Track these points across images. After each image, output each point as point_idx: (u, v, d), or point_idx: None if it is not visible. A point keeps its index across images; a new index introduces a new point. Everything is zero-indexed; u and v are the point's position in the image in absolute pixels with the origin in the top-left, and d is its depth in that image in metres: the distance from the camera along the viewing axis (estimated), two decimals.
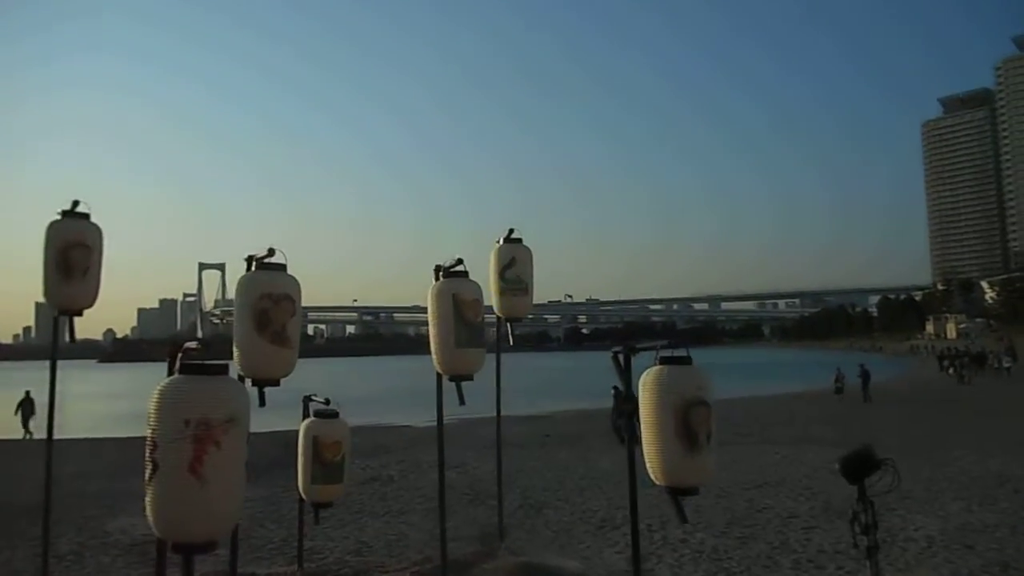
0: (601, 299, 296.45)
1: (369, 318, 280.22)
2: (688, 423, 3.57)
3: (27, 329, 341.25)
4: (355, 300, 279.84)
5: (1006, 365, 39.31)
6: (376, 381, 64.36)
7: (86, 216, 5.13)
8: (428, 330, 4.75)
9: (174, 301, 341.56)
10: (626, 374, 3.96)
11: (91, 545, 8.03)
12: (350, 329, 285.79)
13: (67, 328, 5.27)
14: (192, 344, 2.91)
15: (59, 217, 5.07)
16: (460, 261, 4.69)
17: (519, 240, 5.99)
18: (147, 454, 2.70)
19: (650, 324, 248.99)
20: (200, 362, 2.80)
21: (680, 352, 3.73)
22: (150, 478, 2.69)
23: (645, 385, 3.71)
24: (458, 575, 5.39)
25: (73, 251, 4.98)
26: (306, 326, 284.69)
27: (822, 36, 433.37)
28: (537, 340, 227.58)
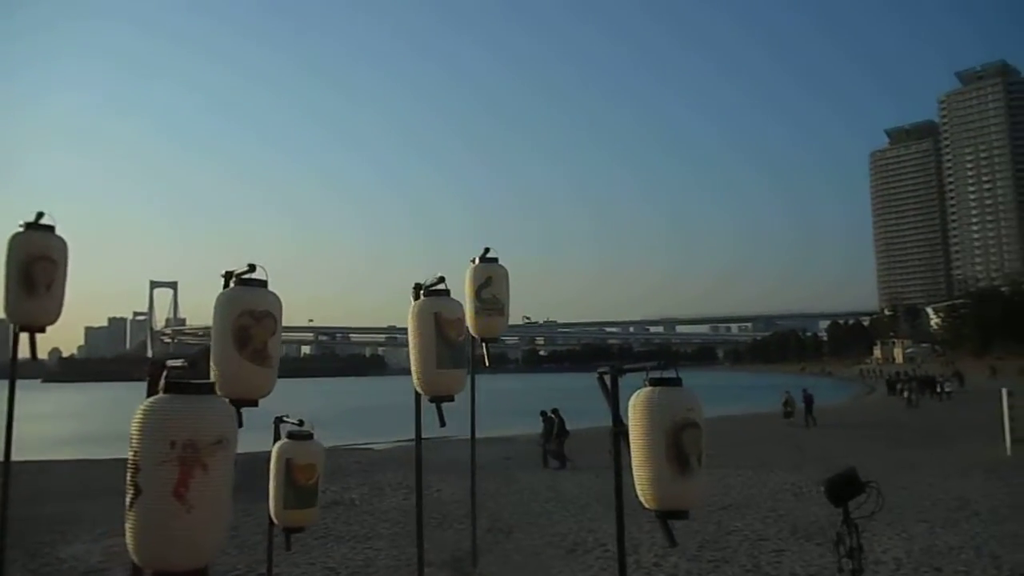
0: (559, 321, 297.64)
1: (325, 338, 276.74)
2: (679, 445, 3.53)
3: None
4: (311, 320, 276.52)
5: (948, 390, 40.84)
6: (332, 401, 63.52)
7: (51, 228, 4.95)
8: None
9: (124, 320, 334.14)
10: (614, 396, 3.93)
11: (43, 573, 7.69)
12: (305, 349, 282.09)
13: (29, 345, 5.06)
14: (176, 362, 2.78)
15: (22, 229, 4.88)
16: (442, 279, 4.62)
17: (495, 260, 5.93)
18: (128, 477, 2.56)
19: (607, 346, 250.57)
20: (186, 381, 2.68)
21: (670, 374, 3.71)
22: (131, 503, 2.54)
23: (635, 407, 3.67)
24: None
25: (36, 265, 4.78)
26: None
27: (781, 63, 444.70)
28: (495, 361, 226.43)
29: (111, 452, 26.28)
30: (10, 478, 5.17)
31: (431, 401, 4.58)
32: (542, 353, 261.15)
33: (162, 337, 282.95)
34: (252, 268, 4.03)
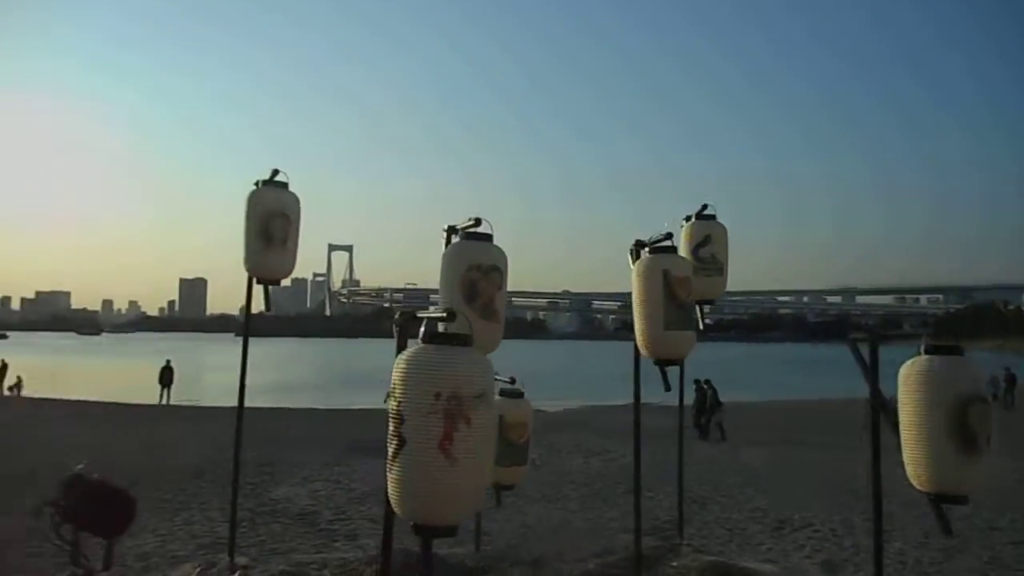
0: (726, 289, 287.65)
1: None
2: (966, 423, 3.11)
3: (171, 303, 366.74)
4: None
5: None
6: (499, 364, 64.96)
7: (284, 185, 5.12)
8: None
9: (304, 280, 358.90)
10: (873, 368, 3.53)
11: (261, 512, 8.26)
12: None
13: (264, 298, 5.30)
14: (439, 311, 2.70)
15: (258, 186, 5.07)
16: (479, 221, 4.30)
17: (712, 216, 5.59)
18: (391, 427, 2.53)
19: (777, 316, 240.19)
20: (448, 332, 2.61)
21: (948, 342, 3.28)
22: (395, 454, 2.51)
23: (908, 379, 3.27)
24: (646, 571, 5.08)
25: (274, 221, 4.97)
26: (428, 307, 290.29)
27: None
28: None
29: (299, 402, 28.44)
30: (242, 423, 5.51)
31: (656, 364, 4.35)
32: (708, 322, 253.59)
33: (339, 297, 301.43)
34: (477, 222, 3.95)
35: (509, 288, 4.02)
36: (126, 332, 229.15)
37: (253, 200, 5.03)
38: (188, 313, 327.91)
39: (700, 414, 17.16)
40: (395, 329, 3.10)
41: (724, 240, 5.59)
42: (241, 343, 5.55)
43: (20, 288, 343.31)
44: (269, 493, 9.19)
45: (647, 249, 4.37)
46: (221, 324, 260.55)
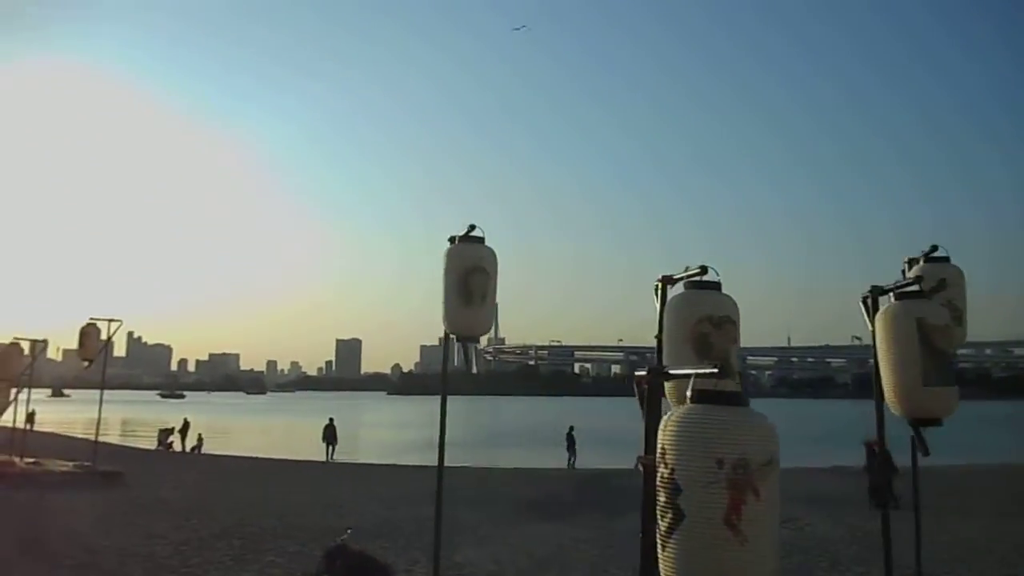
0: None
1: (635, 358, 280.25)
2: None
3: (328, 363, 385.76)
4: (621, 340, 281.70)
5: None
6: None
7: (481, 240, 5.06)
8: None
9: (452, 338, 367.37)
10: None
11: None
12: (615, 368, 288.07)
13: (465, 357, 5.21)
14: (707, 366, 2.42)
15: (454, 242, 5.03)
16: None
17: (946, 259, 5.00)
18: (664, 498, 2.24)
19: (958, 371, 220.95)
20: (722, 391, 2.31)
21: None
22: (671, 528, 2.21)
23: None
24: None
25: (473, 276, 4.90)
26: (572, 364, 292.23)
27: None
28: (819, 385, 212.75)
29: (454, 459, 28.56)
30: (442, 481, 5.39)
31: (911, 424, 3.85)
32: None
33: (484, 355, 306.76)
34: (704, 270, 3.67)
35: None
36: (287, 391, 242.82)
37: (451, 256, 4.98)
38: (344, 372, 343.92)
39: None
40: (637, 387, 2.85)
41: (962, 285, 4.99)
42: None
43: (195, 351, 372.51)
44: (451, 556, 9.04)
45: (892, 295, 3.93)
46: (375, 383, 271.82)
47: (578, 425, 27.86)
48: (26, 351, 15.57)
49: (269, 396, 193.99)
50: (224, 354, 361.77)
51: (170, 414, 50.27)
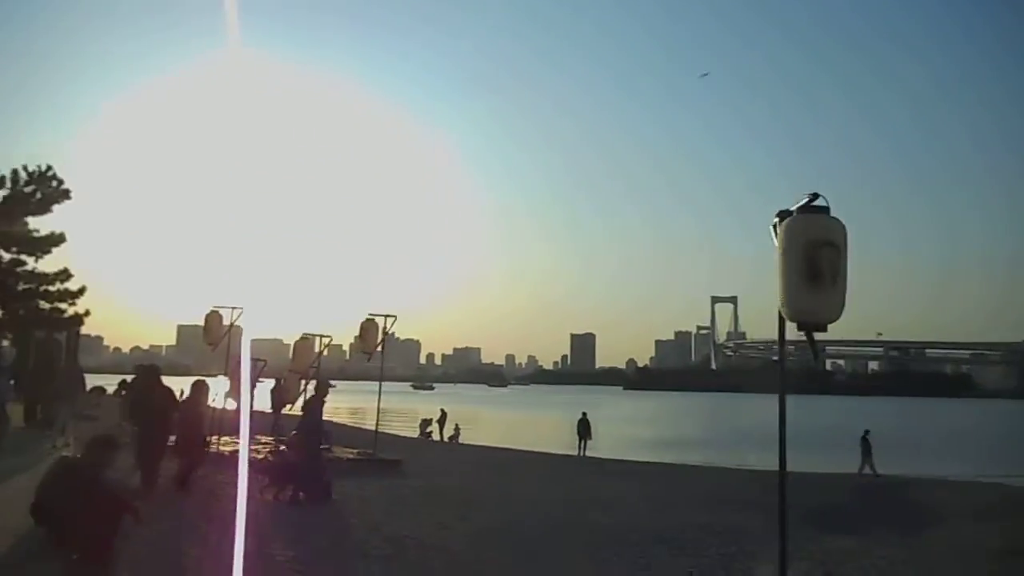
0: None
1: (895, 353, 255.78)
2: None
3: (564, 357, 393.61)
4: (879, 333, 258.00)
5: None
6: (924, 424, 57.45)
7: (825, 210, 4.23)
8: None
9: (688, 333, 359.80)
10: None
11: None
12: (873, 366, 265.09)
13: (811, 347, 4.39)
14: None
15: (793, 214, 4.25)
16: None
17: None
18: None
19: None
20: None
21: None
22: None
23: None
24: None
25: (821, 251, 4.08)
26: (824, 361, 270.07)
27: None
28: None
29: (710, 459, 27.33)
30: (784, 487, 4.74)
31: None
32: None
33: (724, 350, 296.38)
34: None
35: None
36: (524, 385, 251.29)
37: (791, 230, 4.20)
38: (579, 366, 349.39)
39: None
40: None
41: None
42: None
43: (441, 345, 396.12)
44: (752, 571, 8.23)
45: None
46: (609, 377, 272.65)
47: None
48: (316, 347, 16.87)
49: (509, 389, 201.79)
50: (467, 348, 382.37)
51: (423, 405, 53.44)
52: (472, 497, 12.64)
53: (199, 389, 11.47)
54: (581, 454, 27.89)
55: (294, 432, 12.05)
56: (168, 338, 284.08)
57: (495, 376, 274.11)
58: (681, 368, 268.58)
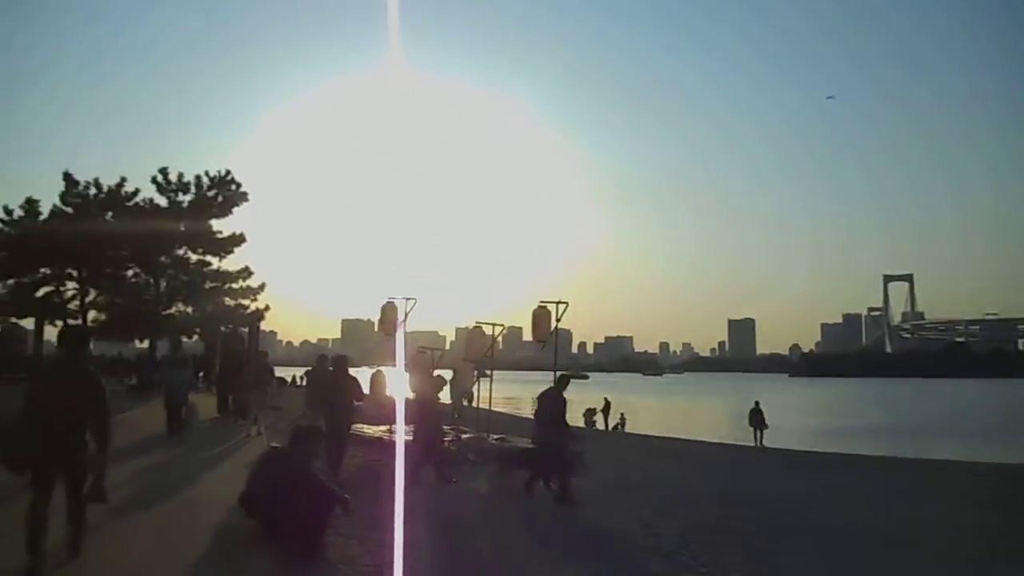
0: None
1: None
2: None
3: (721, 343, 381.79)
4: None
5: None
6: None
7: None
8: None
9: (858, 316, 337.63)
10: None
11: None
12: None
13: None
14: None
15: None
16: None
17: None
18: None
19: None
20: None
21: None
22: None
23: None
24: None
25: None
26: (1016, 341, 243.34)
27: None
28: None
29: (905, 450, 24.93)
30: None
31: None
32: None
33: (900, 333, 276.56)
34: None
35: None
36: (679, 373, 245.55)
37: None
38: (737, 353, 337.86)
39: None
40: None
41: None
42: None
43: (593, 334, 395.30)
44: None
45: None
46: (771, 364, 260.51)
47: None
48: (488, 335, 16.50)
49: (665, 377, 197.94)
50: (619, 336, 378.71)
51: (580, 394, 52.55)
52: (672, 493, 11.62)
53: (380, 380, 11.21)
54: (758, 444, 26.33)
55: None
56: (333, 332, 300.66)
57: (650, 364, 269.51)
58: (852, 353, 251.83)
